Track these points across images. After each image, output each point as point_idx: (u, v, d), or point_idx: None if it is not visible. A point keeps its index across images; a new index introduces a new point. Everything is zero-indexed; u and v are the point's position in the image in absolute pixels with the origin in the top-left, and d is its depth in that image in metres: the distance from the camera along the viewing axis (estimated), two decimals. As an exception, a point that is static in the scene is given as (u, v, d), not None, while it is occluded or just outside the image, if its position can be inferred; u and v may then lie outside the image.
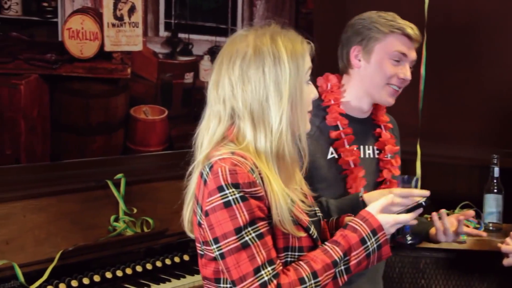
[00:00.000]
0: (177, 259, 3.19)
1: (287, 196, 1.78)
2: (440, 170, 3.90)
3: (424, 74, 3.43)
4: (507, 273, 2.93)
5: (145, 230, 3.24)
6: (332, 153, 2.43)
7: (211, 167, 1.75)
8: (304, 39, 1.88)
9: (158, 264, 3.13)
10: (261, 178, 1.75)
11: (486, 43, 3.94)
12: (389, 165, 2.50)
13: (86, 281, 2.88)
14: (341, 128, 2.44)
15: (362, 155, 2.48)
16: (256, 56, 1.80)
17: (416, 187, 2.18)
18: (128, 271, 3.02)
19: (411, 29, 2.41)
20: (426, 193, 2.04)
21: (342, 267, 1.80)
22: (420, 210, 1.99)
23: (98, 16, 3.39)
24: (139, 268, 3.06)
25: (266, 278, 1.71)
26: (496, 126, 3.91)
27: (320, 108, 2.45)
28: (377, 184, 2.51)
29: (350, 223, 1.86)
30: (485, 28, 3.93)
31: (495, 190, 3.35)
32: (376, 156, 2.52)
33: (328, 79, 2.51)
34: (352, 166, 2.41)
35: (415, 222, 2.14)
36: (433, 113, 3.89)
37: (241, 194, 1.71)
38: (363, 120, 2.52)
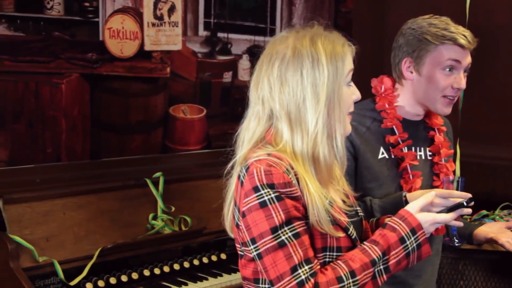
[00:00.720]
0: (214, 258, 3.21)
1: (324, 196, 1.78)
2: (479, 170, 3.86)
3: (465, 74, 3.40)
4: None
5: (183, 228, 3.25)
6: (382, 153, 2.42)
7: (247, 169, 1.76)
8: (346, 41, 1.86)
9: (196, 262, 3.15)
10: (297, 179, 1.75)
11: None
12: (444, 169, 2.46)
13: (124, 278, 2.91)
14: (397, 133, 2.42)
15: None
16: (294, 58, 1.80)
17: (460, 187, 2.16)
18: (166, 269, 3.04)
19: (463, 38, 2.33)
20: (467, 195, 2.02)
21: (381, 267, 1.79)
22: (462, 211, 1.96)
23: (138, 16, 3.42)
24: (176, 266, 3.08)
25: (303, 277, 1.71)
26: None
27: (373, 110, 2.45)
28: (432, 187, 2.45)
29: (389, 223, 1.85)
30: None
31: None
32: (429, 158, 2.50)
33: (382, 81, 2.49)
34: (410, 170, 2.40)
35: (461, 224, 2.12)
36: (473, 113, 3.85)
37: (276, 194, 1.72)
38: (415, 122, 2.49)
